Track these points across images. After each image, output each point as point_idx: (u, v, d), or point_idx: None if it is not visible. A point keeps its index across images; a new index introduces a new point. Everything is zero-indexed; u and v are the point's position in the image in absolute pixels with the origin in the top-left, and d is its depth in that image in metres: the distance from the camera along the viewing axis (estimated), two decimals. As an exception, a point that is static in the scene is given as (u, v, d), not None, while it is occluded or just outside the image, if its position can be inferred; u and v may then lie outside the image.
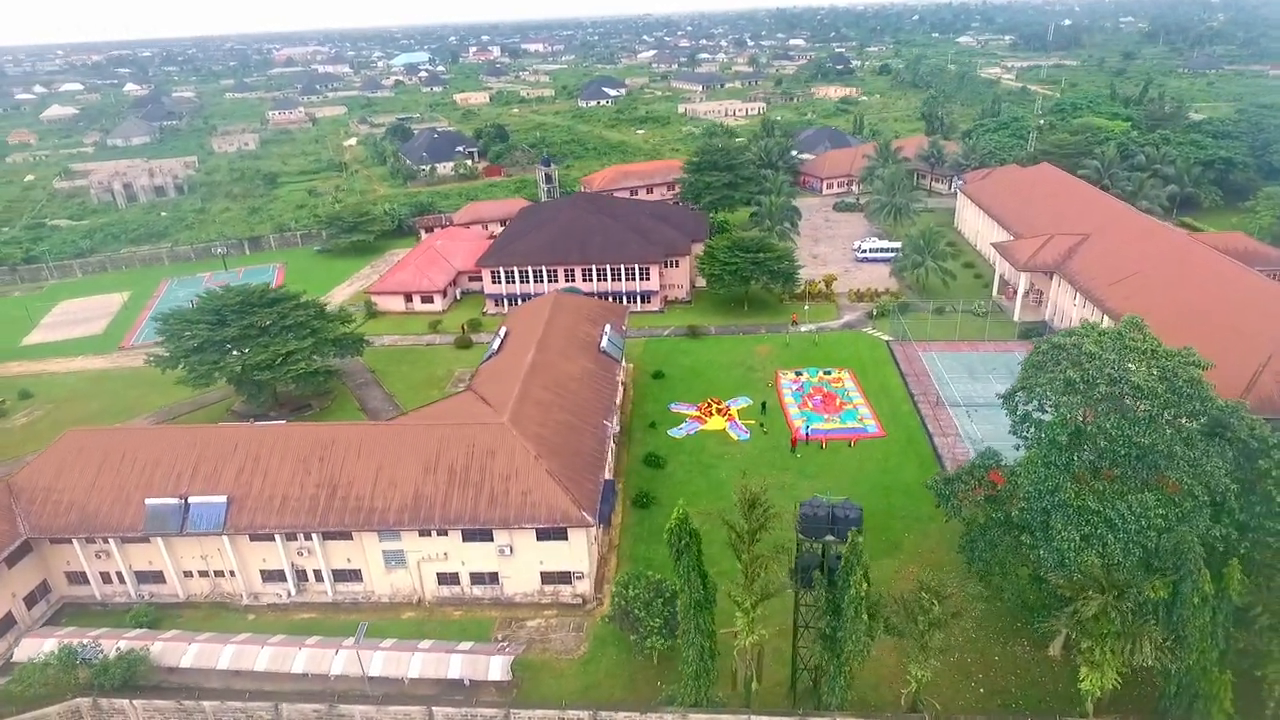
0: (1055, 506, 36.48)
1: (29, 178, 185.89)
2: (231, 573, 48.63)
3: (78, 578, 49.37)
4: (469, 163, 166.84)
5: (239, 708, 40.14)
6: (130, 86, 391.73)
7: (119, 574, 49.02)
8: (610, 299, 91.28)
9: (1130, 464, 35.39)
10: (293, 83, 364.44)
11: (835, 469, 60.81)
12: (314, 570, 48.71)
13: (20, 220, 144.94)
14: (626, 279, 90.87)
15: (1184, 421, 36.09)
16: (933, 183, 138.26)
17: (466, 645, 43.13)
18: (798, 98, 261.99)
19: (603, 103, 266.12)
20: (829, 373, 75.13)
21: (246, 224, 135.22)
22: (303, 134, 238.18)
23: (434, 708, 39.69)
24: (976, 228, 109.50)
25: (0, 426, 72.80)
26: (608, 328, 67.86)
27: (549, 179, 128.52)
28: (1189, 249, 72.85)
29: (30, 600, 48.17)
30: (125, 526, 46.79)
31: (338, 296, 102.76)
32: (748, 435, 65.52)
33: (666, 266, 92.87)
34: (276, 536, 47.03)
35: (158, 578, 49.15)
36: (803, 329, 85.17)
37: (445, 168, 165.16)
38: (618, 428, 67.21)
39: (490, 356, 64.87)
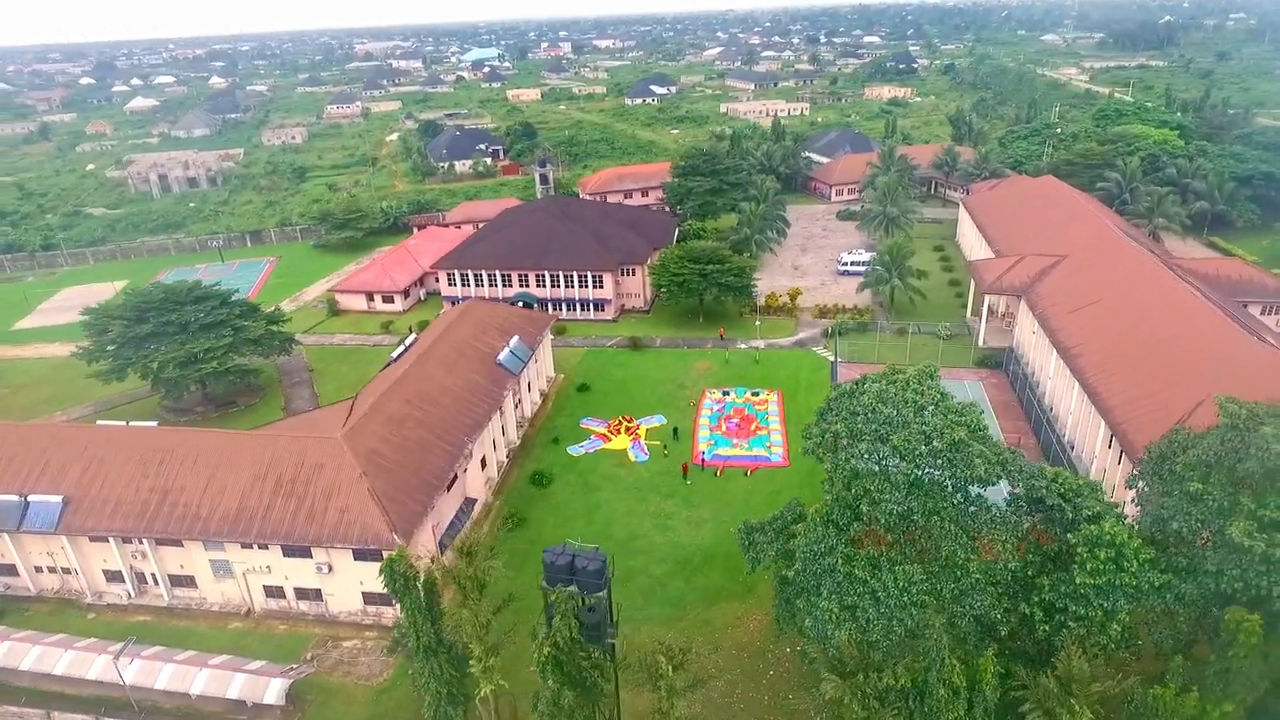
0: (826, 571, 33.01)
1: (90, 166, 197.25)
2: (75, 571, 49.45)
3: (-58, 565, 51.10)
4: (488, 161, 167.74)
5: (15, 713, 40.55)
6: (215, 80, 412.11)
7: (-23, 565, 50.52)
8: (564, 306, 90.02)
9: (899, 531, 31.62)
10: (361, 77, 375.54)
11: (721, 499, 57.66)
12: (151, 574, 49.05)
13: (62, 207, 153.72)
14: (580, 286, 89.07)
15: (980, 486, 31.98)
16: (948, 192, 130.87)
17: (256, 664, 42.45)
18: (846, 98, 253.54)
19: (648, 101, 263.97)
20: (756, 394, 71.60)
21: (260, 217, 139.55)
22: (351, 128, 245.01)
23: (195, 729, 39.17)
24: (971, 243, 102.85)
25: (-39, 408, 76.84)
26: (515, 339, 66.27)
27: (544, 179, 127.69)
28: (1156, 277, 65.96)
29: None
30: (-27, 519, 48.10)
31: (314, 291, 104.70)
32: (647, 457, 62.93)
33: (623, 275, 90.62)
34: (110, 539, 47.52)
35: (10, 571, 50.44)
36: (758, 344, 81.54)
37: (464, 165, 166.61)
38: (518, 440, 65.91)
39: (388, 364, 64.33)
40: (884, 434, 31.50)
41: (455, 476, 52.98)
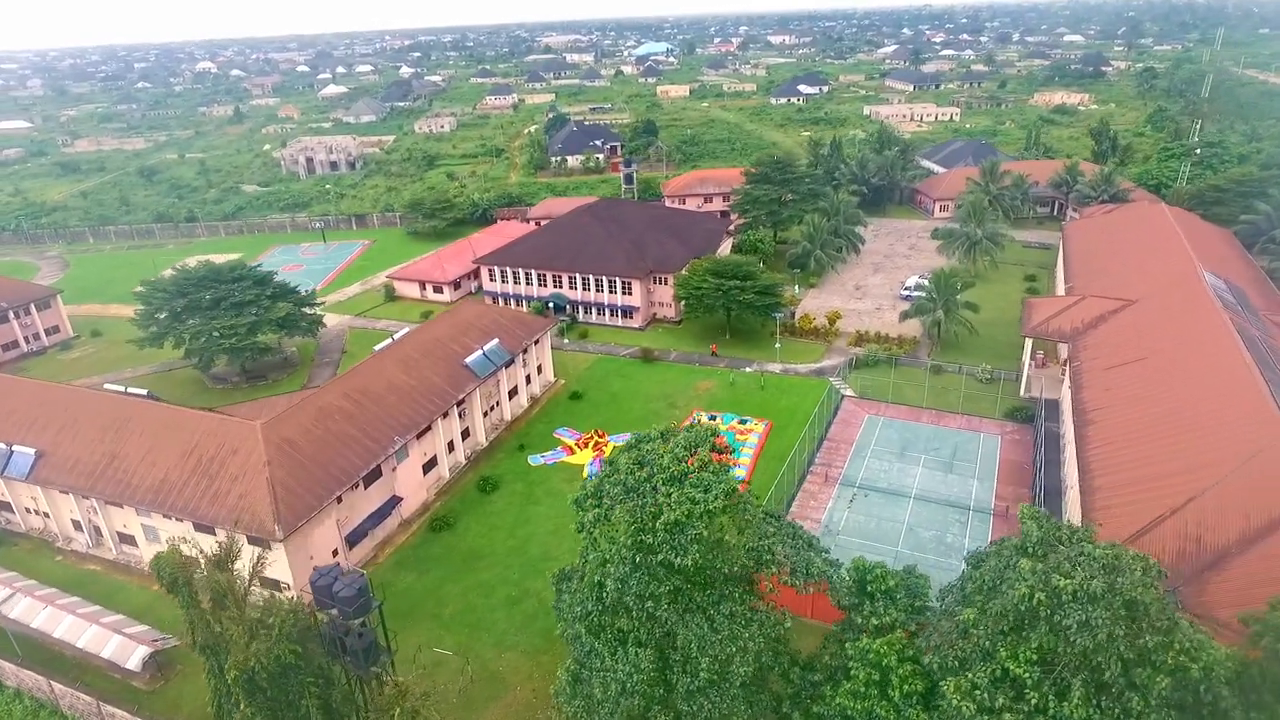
0: (573, 638, 30.32)
1: (265, 147, 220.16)
2: (50, 517, 55.43)
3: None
4: (599, 157, 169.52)
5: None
6: (404, 70, 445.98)
7: (-12, 500, 57.90)
8: (595, 310, 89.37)
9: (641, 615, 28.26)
10: (526, 70, 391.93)
11: (650, 532, 54.77)
12: (102, 528, 53.99)
13: (225, 183, 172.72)
14: (610, 292, 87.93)
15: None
16: (1070, 214, 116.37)
17: (139, 629, 45.50)
18: (1008, 103, 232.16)
19: (792, 100, 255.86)
20: (744, 422, 67.45)
21: (378, 201, 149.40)
22: (499, 119, 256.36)
23: (53, 681, 42.54)
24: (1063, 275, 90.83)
25: (59, 358, 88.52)
26: (493, 343, 66.50)
27: (629, 180, 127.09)
28: (1215, 337, 54.87)
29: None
30: (-25, 461, 55.15)
31: (383, 276, 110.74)
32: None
33: (656, 284, 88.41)
34: (70, 493, 52.79)
35: (8, 508, 57.36)
36: (773, 368, 76.89)
37: (575, 160, 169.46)
38: (485, 443, 66.16)
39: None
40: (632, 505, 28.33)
41: (379, 474, 54.04)
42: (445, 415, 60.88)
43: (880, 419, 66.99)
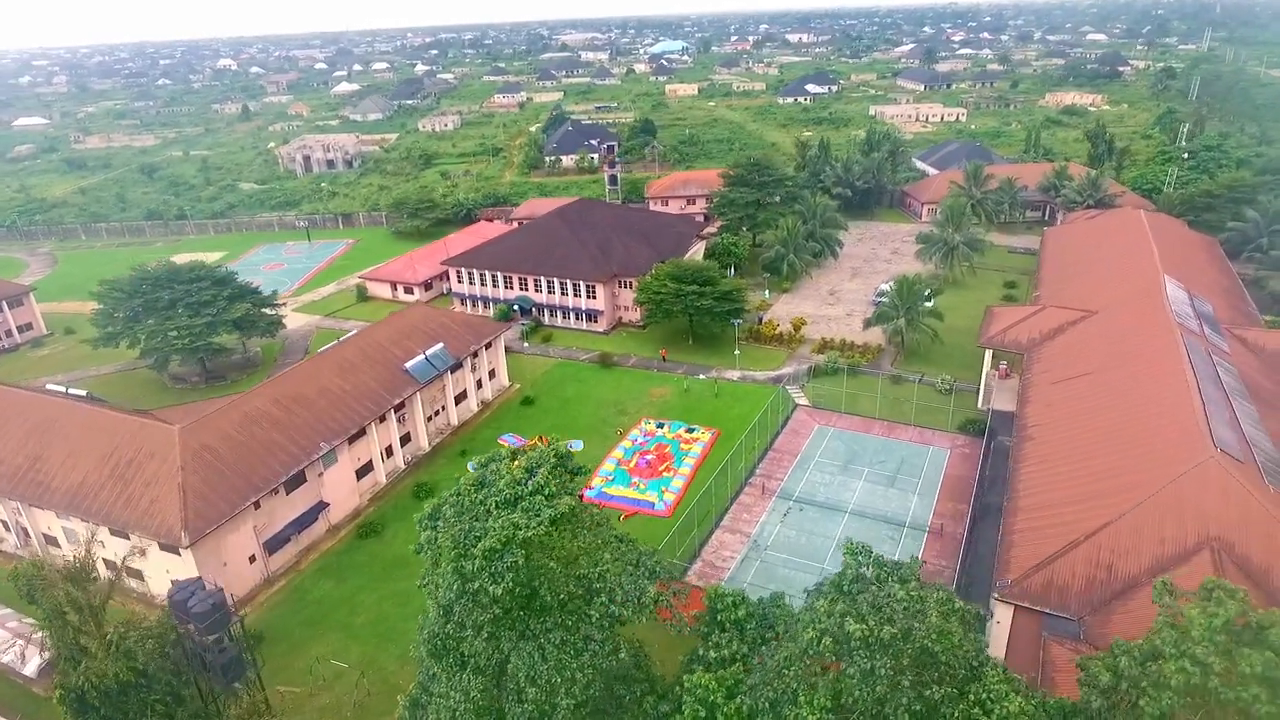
0: (420, 659, 29.49)
1: (271, 144, 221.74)
2: (-19, 516, 55.62)
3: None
4: (594, 157, 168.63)
5: None
6: (420, 67, 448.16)
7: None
8: (560, 314, 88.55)
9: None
10: (541, 68, 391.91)
11: (577, 543, 53.82)
12: (28, 529, 54.02)
13: (223, 180, 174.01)
14: (574, 295, 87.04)
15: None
16: (1059, 219, 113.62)
17: (42, 635, 45.25)
18: (1016, 104, 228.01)
19: (798, 100, 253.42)
20: (691, 430, 66.25)
21: (370, 200, 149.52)
22: (504, 117, 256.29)
23: (-52, 684, 42.48)
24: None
25: (29, 355, 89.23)
26: (437, 347, 65.85)
27: (613, 180, 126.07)
28: (1162, 354, 52.73)
29: None
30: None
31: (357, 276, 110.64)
32: (535, 484, 60.14)
33: (621, 287, 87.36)
34: (-3, 494, 52.90)
35: (-54, 507, 57.61)
36: (731, 375, 75.60)
37: (570, 160, 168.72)
38: (428, 448, 65.52)
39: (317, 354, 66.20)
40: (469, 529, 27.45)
41: (304, 479, 53.56)
42: (383, 420, 60.40)
43: (830, 430, 65.49)
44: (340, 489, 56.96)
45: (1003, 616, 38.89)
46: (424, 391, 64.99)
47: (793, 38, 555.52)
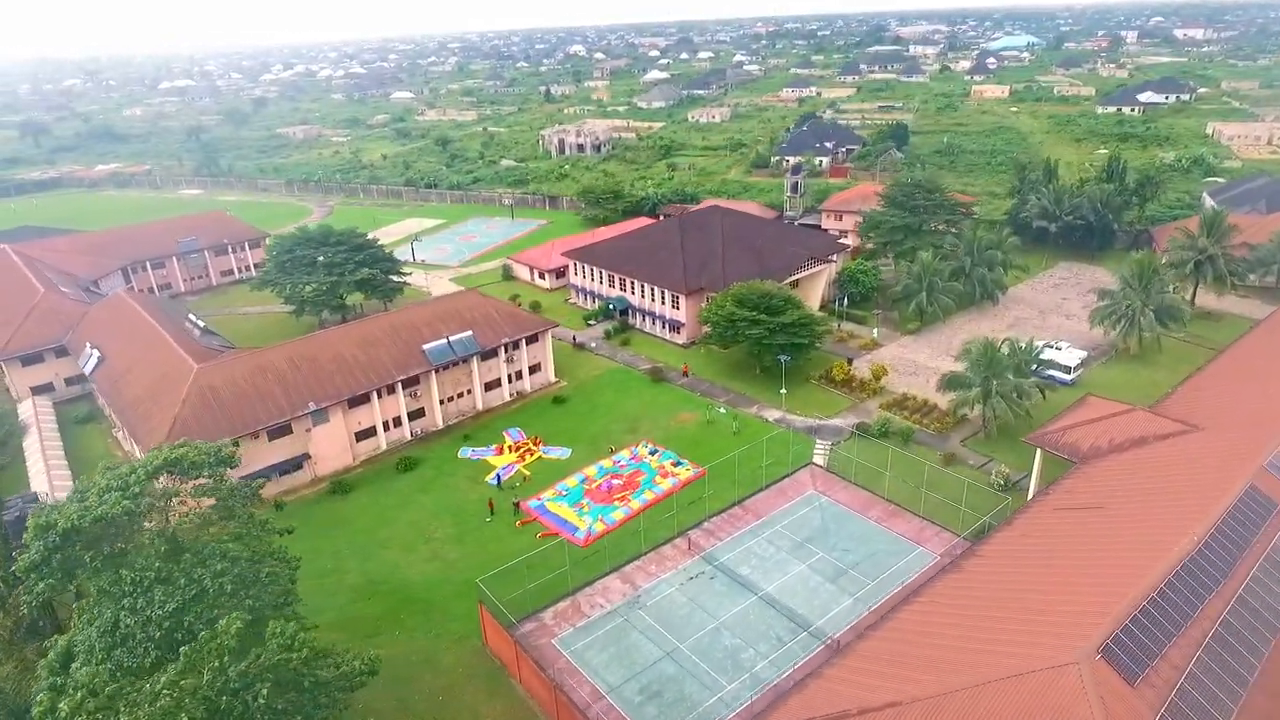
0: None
1: (557, 125, 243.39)
2: (107, 408, 71.40)
3: None
4: (821, 160, 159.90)
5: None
6: (738, 57, 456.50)
7: None
8: (650, 319, 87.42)
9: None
10: (849, 64, 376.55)
11: (480, 544, 54.16)
12: (123, 426, 68.10)
13: (491, 157, 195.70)
14: (661, 303, 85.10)
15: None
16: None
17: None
18: None
19: (1123, 110, 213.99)
20: (678, 464, 62.09)
21: (582, 184, 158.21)
22: (777, 111, 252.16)
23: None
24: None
25: (242, 290, 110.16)
26: (468, 333, 69.26)
27: (795, 188, 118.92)
28: (1201, 492, 37.29)
29: None
30: None
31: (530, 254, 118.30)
32: (496, 482, 61.22)
33: (708, 301, 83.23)
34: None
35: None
36: (772, 414, 69.13)
37: (794, 161, 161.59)
38: (440, 425, 69.51)
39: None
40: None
41: (289, 430, 60.31)
42: (391, 391, 65.56)
43: (821, 499, 57.00)
44: (331, 445, 63.10)
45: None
46: (445, 374, 69.00)
47: (1181, 33, 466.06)
